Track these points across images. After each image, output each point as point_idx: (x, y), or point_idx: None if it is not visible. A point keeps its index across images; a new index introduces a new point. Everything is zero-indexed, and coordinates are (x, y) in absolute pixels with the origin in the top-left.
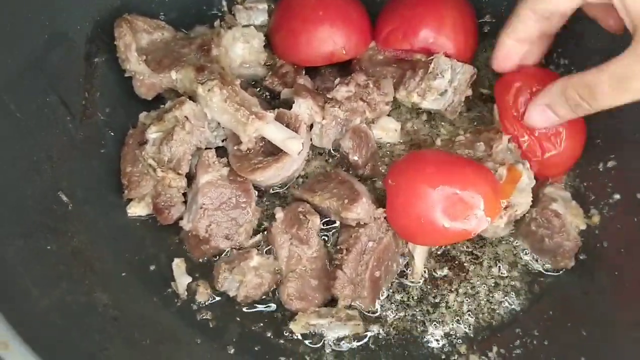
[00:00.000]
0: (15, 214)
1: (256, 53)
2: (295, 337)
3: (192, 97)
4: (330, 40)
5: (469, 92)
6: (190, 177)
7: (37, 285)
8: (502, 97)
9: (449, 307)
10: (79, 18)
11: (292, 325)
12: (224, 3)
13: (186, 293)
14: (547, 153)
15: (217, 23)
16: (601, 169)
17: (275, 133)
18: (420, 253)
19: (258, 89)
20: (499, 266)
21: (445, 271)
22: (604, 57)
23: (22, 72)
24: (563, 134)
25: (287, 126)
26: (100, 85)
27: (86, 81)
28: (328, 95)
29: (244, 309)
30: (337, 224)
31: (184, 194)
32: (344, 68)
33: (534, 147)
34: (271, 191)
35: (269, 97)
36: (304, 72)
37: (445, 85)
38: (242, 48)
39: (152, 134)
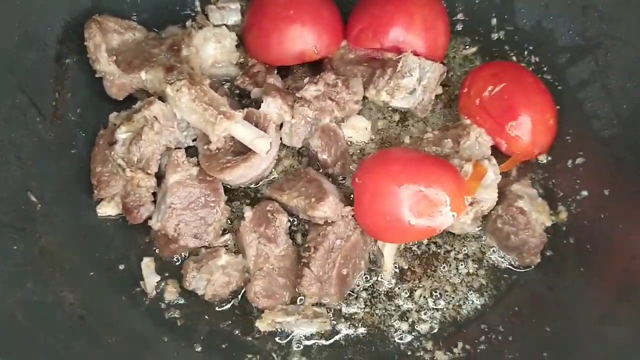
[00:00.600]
0: None
1: (228, 53)
2: (263, 335)
3: (162, 97)
4: (301, 39)
5: (439, 91)
6: (160, 177)
7: (2, 284)
8: (470, 88)
9: (416, 304)
10: (50, 19)
11: (258, 323)
12: (197, 3)
13: (155, 292)
14: (508, 127)
15: (189, 23)
16: (570, 166)
17: (244, 132)
18: (389, 250)
19: (230, 88)
20: (466, 263)
21: (413, 268)
22: (574, 54)
23: None
24: (522, 109)
25: (256, 125)
26: (71, 86)
27: (57, 82)
28: (297, 95)
29: (213, 308)
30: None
31: (154, 194)
32: (316, 67)
33: (496, 127)
34: (241, 190)
35: (240, 96)
36: (275, 71)
37: (414, 84)
38: (213, 48)
39: (122, 134)
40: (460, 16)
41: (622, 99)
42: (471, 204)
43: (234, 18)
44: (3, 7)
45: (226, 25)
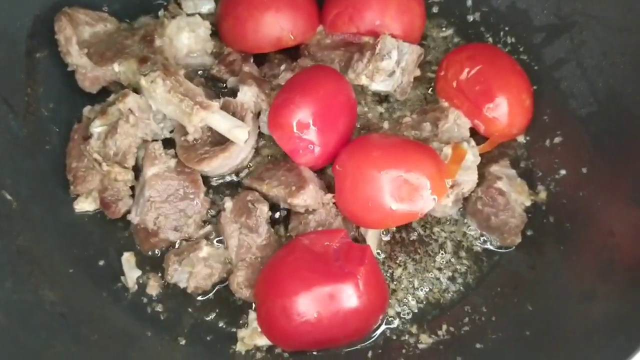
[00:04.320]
0: None
1: (202, 42)
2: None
3: (137, 89)
4: (276, 26)
5: (418, 73)
6: (137, 170)
7: None
8: (447, 71)
9: (400, 289)
10: (19, 14)
11: (238, 347)
12: None
13: (136, 287)
14: (485, 109)
15: (161, 13)
16: (548, 145)
17: (221, 122)
18: (372, 236)
19: (206, 78)
20: (448, 246)
21: (396, 253)
22: (549, 33)
23: None
24: (499, 91)
25: (234, 115)
26: (43, 80)
27: (28, 77)
28: (274, 82)
29: (197, 300)
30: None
31: (132, 188)
32: (293, 53)
33: (474, 109)
34: (221, 180)
35: (216, 86)
36: (251, 59)
37: (393, 66)
38: (187, 37)
39: (96, 127)
40: None
41: (597, 77)
42: (452, 186)
43: (208, 6)
44: None
45: (200, 14)
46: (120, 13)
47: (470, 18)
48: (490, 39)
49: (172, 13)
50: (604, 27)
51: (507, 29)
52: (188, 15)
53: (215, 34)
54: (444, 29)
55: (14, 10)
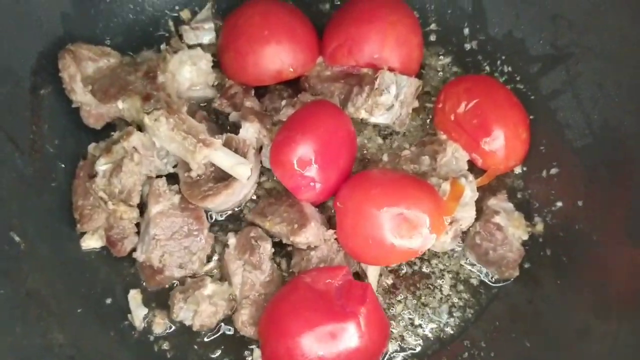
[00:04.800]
0: None
1: (204, 74)
2: None
3: (140, 126)
4: (277, 59)
5: (416, 104)
6: (142, 205)
7: None
8: (444, 103)
9: (401, 324)
10: (23, 51)
11: None
12: (171, 24)
13: (143, 325)
14: (483, 143)
15: (163, 46)
16: (544, 176)
17: (224, 159)
18: (373, 272)
19: (207, 110)
20: (447, 279)
21: (397, 287)
22: (545, 63)
23: None
24: (496, 125)
25: (236, 151)
26: (48, 117)
27: (33, 114)
28: (275, 118)
29: (202, 337)
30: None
31: (137, 224)
32: (293, 84)
33: (472, 143)
34: (224, 216)
35: (219, 118)
36: (252, 92)
37: (392, 100)
38: (189, 71)
39: (101, 166)
40: (433, 26)
41: (592, 109)
42: (450, 223)
43: (209, 37)
44: None
45: (201, 45)
46: (123, 46)
47: (468, 46)
48: (488, 68)
49: (174, 48)
50: (599, 59)
51: (503, 57)
52: (189, 47)
53: (217, 64)
54: (441, 57)
55: (18, 47)
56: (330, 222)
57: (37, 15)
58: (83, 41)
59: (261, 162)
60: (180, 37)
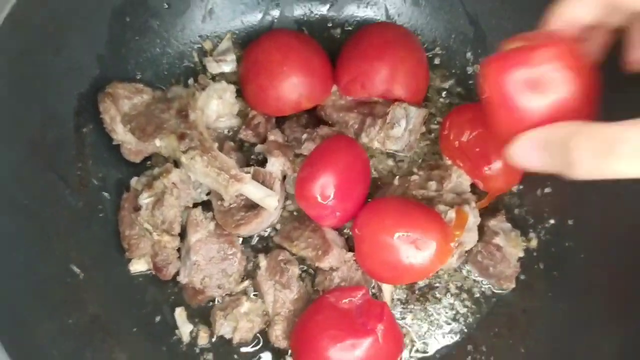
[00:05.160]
0: (39, 297)
1: (230, 106)
2: None
3: (177, 161)
4: (295, 92)
5: (423, 130)
6: (181, 231)
7: None
8: (449, 130)
9: (413, 331)
10: (66, 94)
11: None
12: (195, 55)
13: (189, 339)
14: (484, 170)
15: (190, 81)
16: (539, 195)
17: (254, 192)
18: (387, 289)
19: (233, 137)
20: (452, 290)
21: (408, 300)
22: None
23: (24, 161)
24: (497, 159)
25: (263, 183)
26: (91, 153)
27: (78, 152)
28: (297, 151)
29: (240, 348)
30: None
31: (178, 249)
32: (311, 112)
33: (474, 169)
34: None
35: (243, 145)
36: (274, 121)
37: (402, 132)
38: (216, 104)
39: (145, 199)
40: (438, 50)
41: None
42: (456, 246)
43: (231, 66)
44: (26, 93)
45: (223, 74)
46: (152, 79)
47: (470, 70)
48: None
49: (201, 85)
50: None
51: None
52: (214, 79)
53: (239, 92)
54: (446, 79)
55: (61, 92)
56: (348, 243)
57: (76, 60)
58: (117, 79)
59: (285, 189)
60: (204, 67)
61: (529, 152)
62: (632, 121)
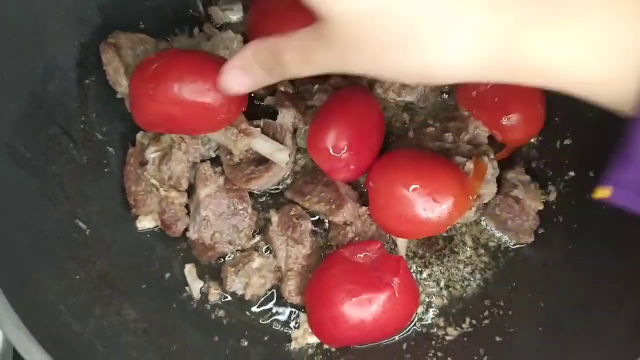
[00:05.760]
0: (45, 253)
1: None
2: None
3: None
4: None
5: None
6: (189, 187)
7: (76, 317)
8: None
9: (429, 286)
10: (68, 44)
11: (292, 345)
12: (199, 3)
13: (200, 295)
14: (503, 120)
15: (195, 31)
16: (558, 147)
17: (264, 146)
18: (402, 243)
19: None
20: (469, 244)
21: (423, 253)
22: None
23: (25, 112)
24: (514, 104)
25: (274, 136)
26: (95, 105)
27: (81, 105)
28: (308, 103)
29: (252, 304)
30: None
31: (186, 205)
32: None
33: (492, 120)
34: (264, 192)
35: (253, 99)
36: None
37: None
38: (222, 54)
39: (151, 154)
40: None
41: None
42: (474, 199)
43: (237, 15)
44: (25, 44)
45: (229, 23)
46: (156, 29)
47: None
48: None
49: (207, 34)
50: None
51: None
52: (219, 28)
53: (247, 42)
54: None
55: (62, 42)
56: (362, 198)
57: (78, 9)
58: (120, 29)
59: (296, 142)
60: (209, 16)
61: (238, 77)
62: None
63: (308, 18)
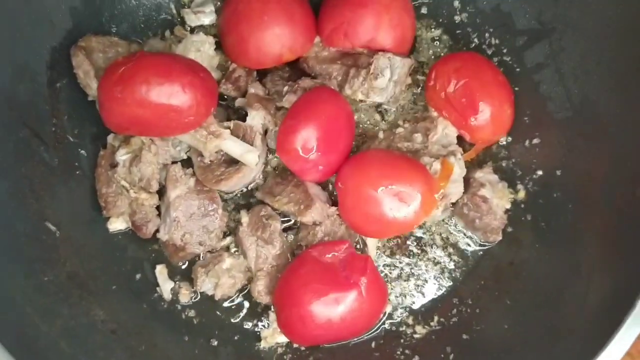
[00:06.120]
0: (12, 253)
1: (208, 58)
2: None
3: None
4: (277, 43)
5: (409, 81)
6: (160, 189)
7: (43, 317)
8: (435, 81)
9: (398, 283)
10: (38, 46)
11: (262, 345)
12: (172, 7)
13: (171, 296)
14: (471, 120)
15: (167, 34)
16: (527, 146)
17: (234, 148)
18: (372, 243)
19: None
20: (438, 243)
21: (393, 253)
22: (530, 37)
23: None
24: (483, 104)
25: (243, 137)
26: (66, 108)
27: (52, 107)
28: (278, 104)
29: (223, 304)
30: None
31: (157, 207)
32: (293, 64)
33: (460, 120)
34: (235, 194)
35: (225, 100)
36: (255, 74)
37: (387, 83)
38: (194, 57)
39: (122, 156)
40: None
41: (573, 83)
42: (441, 198)
43: (210, 18)
44: None
45: (202, 26)
46: (128, 32)
47: (457, 19)
48: (476, 40)
49: (178, 37)
50: (581, 36)
51: (491, 30)
52: (191, 31)
53: (218, 44)
54: (432, 29)
55: (32, 44)
56: (332, 198)
57: (48, 12)
58: (91, 32)
59: (267, 143)
60: (182, 19)
61: None
62: None
63: (280, 20)
